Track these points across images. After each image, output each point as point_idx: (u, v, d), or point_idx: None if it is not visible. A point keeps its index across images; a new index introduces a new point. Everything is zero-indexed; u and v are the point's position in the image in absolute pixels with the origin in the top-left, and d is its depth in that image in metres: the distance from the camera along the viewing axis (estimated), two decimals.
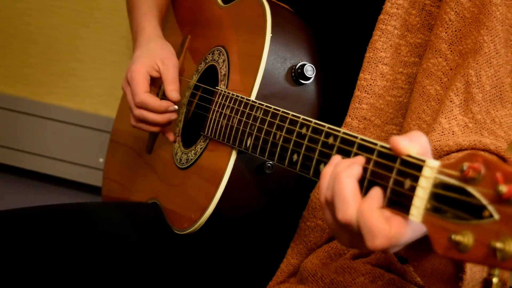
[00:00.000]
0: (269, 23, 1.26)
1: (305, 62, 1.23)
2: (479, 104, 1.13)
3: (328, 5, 1.32)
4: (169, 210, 1.37)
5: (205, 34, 1.49)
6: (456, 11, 1.17)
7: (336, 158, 0.91)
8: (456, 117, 1.13)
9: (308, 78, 1.23)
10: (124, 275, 1.28)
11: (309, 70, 1.23)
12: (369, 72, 1.22)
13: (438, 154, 1.12)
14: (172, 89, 1.37)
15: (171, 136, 1.44)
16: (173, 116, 1.38)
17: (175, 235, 1.31)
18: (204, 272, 1.34)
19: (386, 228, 0.81)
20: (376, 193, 0.83)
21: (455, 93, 1.14)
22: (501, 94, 1.14)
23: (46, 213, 1.34)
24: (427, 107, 1.19)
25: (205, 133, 1.31)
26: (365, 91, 1.22)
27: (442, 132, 1.13)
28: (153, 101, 1.36)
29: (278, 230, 1.34)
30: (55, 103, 2.19)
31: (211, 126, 1.28)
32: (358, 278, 1.17)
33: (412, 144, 0.83)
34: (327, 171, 0.90)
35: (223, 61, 1.35)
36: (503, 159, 1.10)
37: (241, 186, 1.24)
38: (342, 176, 0.86)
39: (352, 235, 0.86)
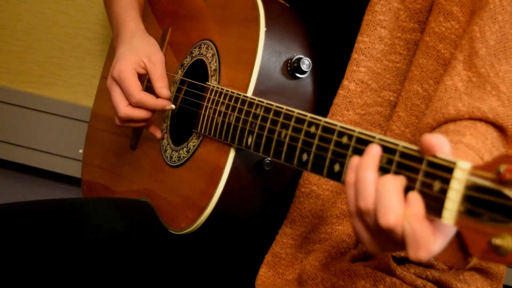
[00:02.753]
0: (262, 16, 1.23)
1: (301, 56, 1.22)
2: (482, 58, 1.12)
3: None
4: (162, 210, 1.34)
5: (189, 27, 1.45)
6: None
7: (355, 160, 0.90)
8: (459, 73, 1.13)
9: (304, 72, 1.22)
10: (118, 272, 1.25)
11: (305, 64, 1.21)
12: (367, 35, 1.21)
13: (437, 117, 1.12)
14: (161, 86, 1.34)
15: (158, 133, 1.40)
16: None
17: (170, 233, 1.29)
18: (199, 267, 1.33)
19: (431, 241, 0.80)
20: (416, 199, 0.82)
21: (459, 50, 1.15)
22: (505, 50, 1.13)
23: (37, 209, 1.31)
24: (444, 71, 1.19)
25: (198, 130, 1.28)
26: (363, 53, 1.21)
27: (445, 89, 1.13)
28: (150, 100, 1.33)
29: (275, 225, 1.32)
30: (33, 92, 2.12)
31: (204, 123, 1.26)
32: (359, 282, 1.17)
33: (445, 144, 0.82)
34: (351, 179, 0.89)
35: (212, 55, 1.32)
36: (500, 128, 1.11)
37: (240, 184, 1.22)
38: (387, 179, 0.84)
39: (389, 241, 0.85)
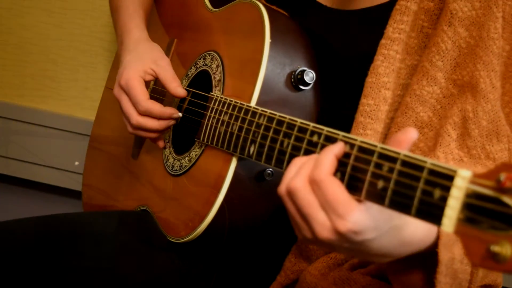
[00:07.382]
0: (267, 28, 1.24)
1: (304, 68, 1.23)
2: (474, 140, 1.15)
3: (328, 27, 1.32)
4: (161, 218, 1.35)
5: (194, 38, 1.47)
6: (453, 41, 1.18)
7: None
8: (452, 152, 1.16)
9: (308, 84, 1.23)
10: (120, 284, 1.26)
11: (309, 76, 1.22)
12: (372, 98, 1.21)
13: None
14: (175, 86, 1.35)
15: (161, 143, 1.41)
16: (171, 122, 1.36)
17: (170, 242, 1.29)
18: (201, 277, 1.33)
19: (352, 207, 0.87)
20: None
21: (452, 127, 1.16)
22: (497, 129, 1.16)
23: (35, 226, 1.32)
24: (421, 134, 1.21)
25: (201, 139, 1.28)
26: (369, 116, 1.21)
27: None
28: (158, 108, 1.34)
29: (279, 237, 1.33)
30: (27, 105, 2.13)
31: (207, 132, 1.27)
32: None
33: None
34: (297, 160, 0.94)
35: (217, 66, 1.33)
36: None
37: (241, 193, 1.22)
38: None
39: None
